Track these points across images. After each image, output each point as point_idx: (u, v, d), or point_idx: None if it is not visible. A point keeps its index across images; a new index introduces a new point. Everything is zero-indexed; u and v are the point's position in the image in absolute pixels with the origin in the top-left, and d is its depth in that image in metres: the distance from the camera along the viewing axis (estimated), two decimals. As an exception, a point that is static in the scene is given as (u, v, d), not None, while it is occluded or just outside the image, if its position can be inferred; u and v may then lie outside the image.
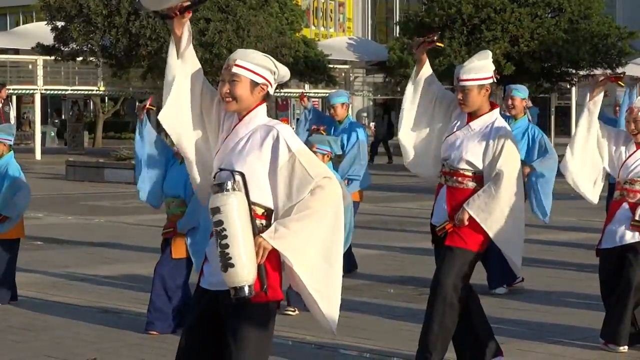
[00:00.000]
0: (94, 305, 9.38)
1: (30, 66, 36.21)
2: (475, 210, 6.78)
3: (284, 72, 4.89)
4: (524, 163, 9.19)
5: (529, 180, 9.81)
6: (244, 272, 4.54)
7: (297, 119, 30.75)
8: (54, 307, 9.34)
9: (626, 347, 7.71)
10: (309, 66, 35.97)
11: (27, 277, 10.63)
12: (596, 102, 7.56)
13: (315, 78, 37.02)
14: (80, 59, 30.82)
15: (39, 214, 16.75)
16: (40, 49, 31.17)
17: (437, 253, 7.08)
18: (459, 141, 6.95)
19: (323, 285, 4.71)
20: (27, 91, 36.94)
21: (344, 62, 41.52)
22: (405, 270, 11.49)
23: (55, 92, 38.61)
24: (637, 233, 7.69)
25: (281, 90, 36.85)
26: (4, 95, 22.33)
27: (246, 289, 4.55)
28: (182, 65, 4.83)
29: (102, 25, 28.36)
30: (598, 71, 33.89)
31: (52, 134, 44.48)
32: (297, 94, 39.04)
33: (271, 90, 4.86)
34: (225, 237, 4.53)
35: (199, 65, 4.91)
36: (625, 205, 7.78)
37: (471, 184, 6.92)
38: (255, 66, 4.78)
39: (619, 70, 33.31)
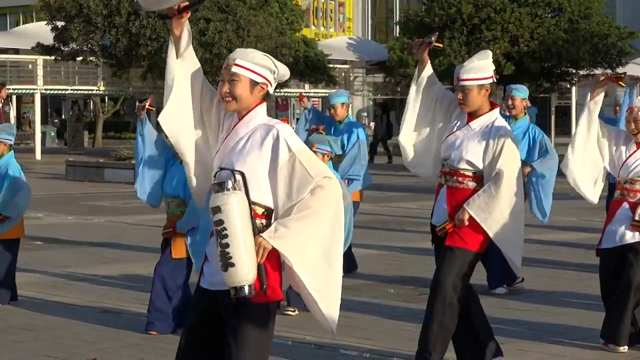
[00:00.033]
0: (94, 305, 9.38)
1: (30, 66, 36.22)
2: (475, 210, 6.79)
3: (284, 71, 4.89)
4: (524, 163, 9.20)
5: (529, 180, 9.81)
6: (244, 271, 4.54)
7: (297, 119, 30.74)
8: (54, 307, 9.34)
9: (626, 347, 7.71)
10: (309, 66, 35.97)
11: (27, 277, 10.62)
12: (597, 102, 7.56)
13: (315, 78, 37.02)
14: (80, 58, 30.82)
15: (39, 214, 16.75)
16: (40, 48, 31.18)
17: (437, 253, 7.08)
18: (459, 141, 6.95)
19: (323, 285, 4.71)
20: (27, 91, 36.95)
21: (344, 62, 41.52)
22: (405, 270, 11.49)
23: (55, 92, 38.62)
24: (637, 233, 7.69)
25: (281, 90, 36.86)
26: (4, 95, 22.33)
27: (246, 289, 4.55)
28: (182, 65, 4.83)
29: (102, 25, 28.36)
30: (598, 71, 33.92)
31: (52, 133, 44.48)
32: (297, 94, 39.08)
33: (271, 90, 4.86)
34: (226, 236, 4.53)
35: (199, 65, 4.91)
36: (626, 205, 7.78)
37: (471, 184, 6.92)
38: (255, 65, 4.78)
39: (619, 70, 33.36)
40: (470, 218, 6.79)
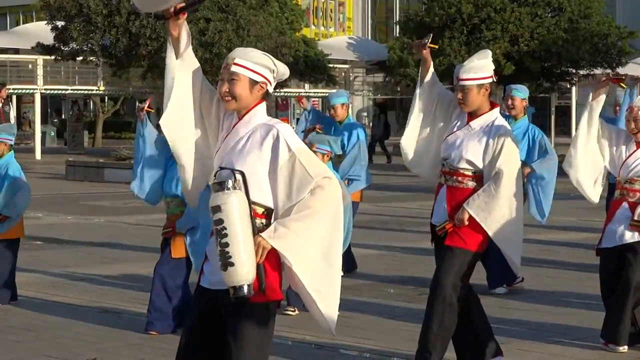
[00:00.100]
0: (94, 305, 9.38)
1: (30, 66, 36.22)
2: (475, 210, 6.79)
3: (283, 70, 4.90)
4: (524, 164, 9.19)
5: (529, 181, 9.81)
6: (244, 271, 4.54)
7: (297, 119, 30.73)
8: (54, 307, 9.34)
9: (626, 347, 7.71)
10: (309, 66, 35.97)
11: (27, 277, 10.63)
12: (599, 102, 7.59)
13: (315, 78, 37.02)
14: (80, 58, 30.82)
15: (39, 214, 16.76)
16: (40, 48, 31.17)
17: (437, 253, 7.08)
18: (459, 140, 6.96)
19: (322, 285, 4.71)
20: (27, 91, 36.95)
21: (344, 62, 41.53)
22: (405, 270, 11.49)
23: (55, 91, 38.61)
24: (636, 233, 7.69)
25: (281, 90, 36.86)
26: (4, 95, 22.33)
27: (245, 288, 4.55)
28: (181, 66, 4.83)
29: (102, 25, 28.35)
30: (598, 71, 33.94)
31: (52, 133, 44.49)
32: (298, 94, 39.05)
33: (270, 89, 4.86)
34: (226, 235, 4.53)
35: (198, 65, 4.91)
36: (625, 205, 7.79)
37: (471, 184, 6.92)
38: (254, 65, 4.78)
39: (620, 69, 33.36)
40: (470, 218, 6.79)
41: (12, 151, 9.67)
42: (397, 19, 45.43)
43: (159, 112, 4.91)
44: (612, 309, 7.73)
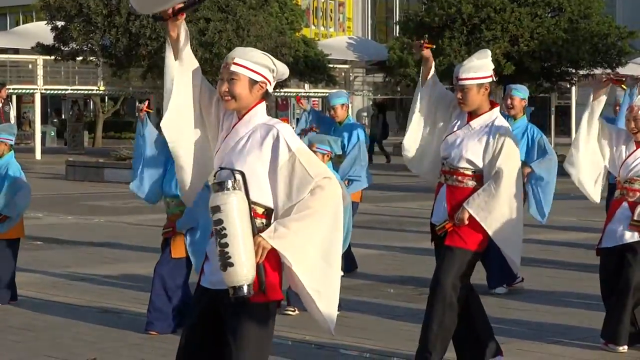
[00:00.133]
0: (94, 305, 9.38)
1: (30, 66, 36.21)
2: (475, 209, 6.79)
3: (283, 70, 4.90)
4: (523, 163, 9.19)
5: (528, 181, 9.81)
6: (243, 271, 4.54)
7: (297, 119, 30.71)
8: (54, 307, 9.34)
9: (626, 346, 7.71)
10: (309, 66, 35.95)
11: (27, 277, 10.63)
12: (600, 102, 7.62)
13: (315, 78, 37.01)
14: (80, 58, 30.79)
15: (39, 214, 16.76)
16: (40, 48, 31.15)
17: (437, 252, 7.08)
18: (459, 140, 6.96)
19: (322, 285, 4.71)
20: (27, 91, 36.94)
21: (344, 62, 41.51)
22: (405, 270, 11.49)
23: (55, 91, 38.60)
24: (636, 233, 7.69)
25: (281, 90, 36.85)
26: (4, 95, 22.33)
27: (245, 288, 4.55)
28: (180, 67, 4.83)
29: (102, 25, 28.34)
30: (598, 71, 33.91)
31: (52, 133, 44.48)
32: (298, 94, 39.03)
33: (270, 88, 4.86)
34: (225, 236, 4.53)
35: (197, 65, 4.91)
36: (625, 205, 7.79)
37: (471, 183, 6.92)
38: (254, 64, 4.78)
39: (619, 69, 33.36)
40: (470, 217, 6.79)
41: (12, 151, 9.67)
42: (397, 19, 45.41)
43: (159, 112, 4.91)
44: (612, 309, 7.74)
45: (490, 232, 6.81)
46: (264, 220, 4.70)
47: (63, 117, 49.65)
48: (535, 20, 33.14)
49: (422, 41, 7.12)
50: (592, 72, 34.37)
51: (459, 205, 6.87)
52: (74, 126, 39.78)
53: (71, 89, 37.53)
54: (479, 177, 6.91)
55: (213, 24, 28.30)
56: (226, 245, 4.53)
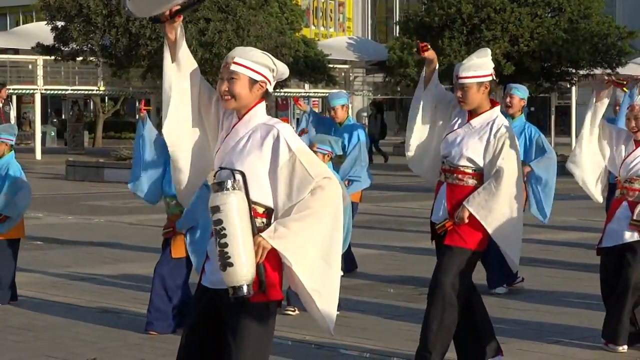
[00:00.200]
0: (94, 305, 9.38)
1: (30, 66, 36.19)
2: (475, 208, 6.79)
3: (283, 70, 4.90)
4: (522, 163, 9.20)
5: (528, 182, 9.82)
6: (243, 271, 4.54)
7: (297, 119, 30.65)
8: (54, 307, 9.34)
9: (625, 346, 7.71)
10: (309, 66, 35.95)
11: (27, 277, 10.63)
12: (603, 103, 7.68)
13: (315, 78, 37.00)
14: (80, 58, 30.79)
15: (39, 214, 16.75)
16: (40, 48, 31.15)
17: (438, 251, 7.08)
18: (460, 138, 6.96)
19: (322, 286, 4.71)
20: (27, 91, 36.93)
21: (344, 62, 41.51)
22: (405, 270, 11.49)
23: (55, 92, 38.60)
24: (636, 232, 7.70)
25: (281, 90, 36.85)
26: (4, 95, 22.31)
27: (245, 288, 4.56)
28: (178, 68, 4.84)
29: (102, 25, 28.34)
30: (598, 71, 33.93)
31: (52, 133, 44.46)
32: (298, 94, 39.02)
33: (270, 88, 4.87)
34: (225, 236, 4.53)
35: (196, 65, 4.91)
36: (625, 204, 7.80)
37: (471, 182, 6.92)
38: (254, 64, 4.79)
39: (619, 70, 33.38)
40: (470, 215, 6.79)
41: (13, 151, 9.67)
42: (397, 19, 45.41)
43: (159, 112, 4.92)
44: (612, 309, 7.74)
45: (490, 231, 6.82)
46: (264, 220, 4.70)
47: (63, 117, 49.63)
48: (535, 20, 33.14)
49: (420, 45, 7.10)
50: (592, 72, 34.38)
51: (459, 203, 6.87)
52: (74, 126, 39.77)
53: (71, 89, 37.52)
54: (479, 175, 6.91)
55: (213, 24, 28.30)
56: (226, 245, 4.53)
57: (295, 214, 4.63)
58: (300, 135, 9.31)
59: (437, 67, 7.13)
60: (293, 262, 4.63)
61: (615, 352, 7.69)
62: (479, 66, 6.91)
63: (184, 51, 4.83)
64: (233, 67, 4.77)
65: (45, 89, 36.27)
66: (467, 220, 6.80)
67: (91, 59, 30.49)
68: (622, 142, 7.83)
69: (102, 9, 28.29)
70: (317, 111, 38.37)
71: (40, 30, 33.24)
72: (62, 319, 8.83)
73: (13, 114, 33.02)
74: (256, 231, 4.61)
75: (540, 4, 33.39)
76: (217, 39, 28.04)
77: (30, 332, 8.34)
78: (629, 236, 7.71)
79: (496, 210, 6.79)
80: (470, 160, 6.91)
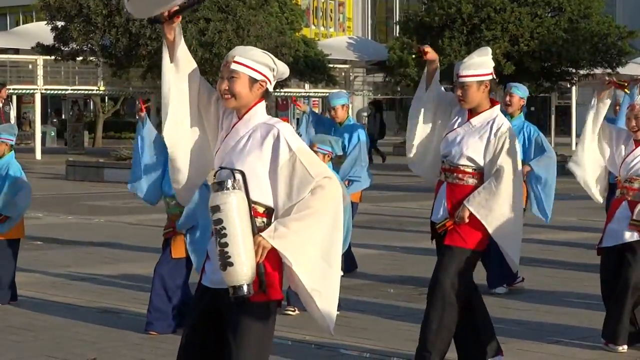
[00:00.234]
0: (93, 305, 9.38)
1: (30, 66, 36.19)
2: (475, 207, 6.79)
3: (283, 69, 4.90)
4: (522, 162, 9.20)
5: (528, 181, 9.81)
6: (243, 270, 4.54)
7: (297, 119, 30.65)
8: (53, 307, 9.34)
9: (625, 346, 7.71)
10: (309, 66, 35.94)
11: (27, 277, 10.63)
12: (605, 103, 7.70)
13: (315, 78, 36.99)
14: (80, 58, 30.79)
15: (39, 214, 16.75)
16: (40, 48, 31.15)
17: (438, 250, 7.08)
18: (460, 137, 6.96)
19: (322, 285, 4.71)
20: (27, 91, 36.93)
21: (344, 62, 41.50)
22: (405, 270, 11.49)
23: (55, 92, 38.60)
24: (636, 232, 7.70)
25: (281, 90, 36.84)
26: (4, 95, 22.29)
27: (245, 288, 4.55)
28: (176, 69, 4.84)
29: (102, 25, 28.33)
30: (598, 71, 33.94)
31: (52, 133, 44.47)
32: (298, 94, 39.01)
33: (270, 87, 4.86)
34: (225, 235, 4.53)
35: (194, 66, 4.91)
36: (625, 204, 7.80)
37: (471, 181, 6.92)
38: (254, 63, 4.79)
39: (619, 70, 33.38)
40: (471, 215, 6.79)
41: (13, 151, 9.66)
42: (397, 19, 45.42)
43: (159, 111, 4.93)
44: (611, 309, 7.74)
45: (490, 230, 6.81)
46: (264, 219, 4.70)
47: (63, 117, 49.63)
48: (535, 20, 33.15)
49: (420, 50, 7.08)
50: (592, 72, 34.39)
51: (459, 203, 6.87)
52: (74, 126, 39.77)
53: (71, 89, 37.52)
54: (479, 174, 6.91)
55: (213, 24, 28.30)
56: (226, 244, 4.53)
57: (296, 213, 4.63)
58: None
59: (438, 66, 7.13)
60: (293, 262, 4.63)
61: (615, 352, 7.69)
62: (480, 65, 6.91)
63: (182, 51, 4.83)
64: (233, 66, 4.76)
65: (45, 89, 36.27)
66: (467, 220, 6.80)
67: (91, 59, 30.49)
68: (622, 142, 7.84)
69: (102, 9, 28.29)
70: (317, 111, 38.33)
71: (40, 30, 33.23)
72: (62, 319, 8.83)
73: (13, 114, 33.04)
74: (256, 231, 4.61)
75: (540, 4, 33.41)
76: (217, 39, 28.04)
77: (30, 332, 8.34)
78: (629, 236, 7.71)
79: (497, 209, 6.79)
80: (470, 159, 6.91)
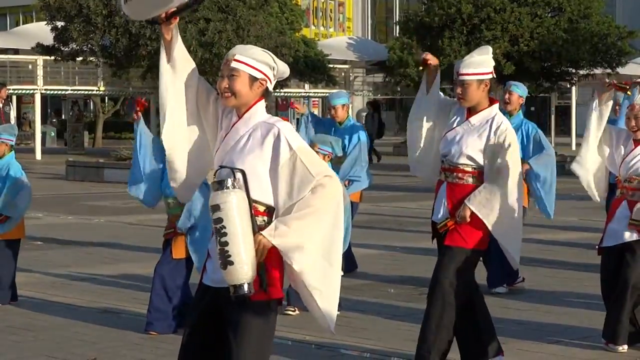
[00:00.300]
0: (93, 306, 9.38)
1: (30, 66, 36.18)
2: (476, 206, 6.79)
3: (283, 68, 4.90)
4: (521, 160, 9.20)
5: (529, 179, 9.81)
6: (244, 269, 4.55)
7: (297, 119, 30.68)
8: (54, 307, 9.34)
9: (625, 346, 7.71)
10: (309, 66, 35.94)
11: (27, 277, 10.63)
12: (608, 105, 7.73)
13: (315, 78, 36.99)
14: (80, 59, 30.78)
15: (39, 214, 16.75)
16: (40, 49, 31.14)
17: (439, 250, 7.08)
18: (459, 136, 6.97)
19: (322, 284, 4.71)
20: (27, 91, 36.92)
21: (344, 62, 41.50)
22: (405, 270, 11.49)
23: (55, 92, 38.58)
24: (635, 232, 7.70)
25: (281, 90, 36.85)
26: (4, 95, 22.32)
27: (245, 287, 4.56)
28: (173, 70, 4.85)
29: (102, 25, 28.33)
30: (598, 71, 33.95)
31: (52, 134, 44.46)
32: (298, 94, 38.99)
33: (270, 86, 4.87)
34: (225, 234, 4.54)
35: (193, 64, 4.91)
36: (625, 204, 7.81)
37: (471, 180, 6.92)
38: (254, 61, 4.79)
39: (619, 70, 33.38)
40: (472, 214, 6.79)
41: (13, 152, 9.66)
42: (397, 19, 45.41)
43: (158, 111, 4.94)
44: (611, 309, 7.75)
45: (491, 229, 6.82)
46: (265, 218, 4.70)
47: (63, 117, 49.63)
48: (535, 20, 33.16)
49: (423, 59, 7.07)
50: (592, 72, 34.39)
51: (459, 202, 6.87)
52: (74, 126, 39.76)
53: (71, 89, 37.50)
54: (479, 173, 6.91)
55: (213, 24, 28.30)
56: (226, 243, 4.54)
57: (296, 212, 4.63)
58: None
59: (439, 69, 7.13)
60: (294, 261, 4.63)
61: (615, 352, 7.69)
62: (480, 64, 6.92)
63: (178, 50, 4.83)
64: (234, 64, 4.77)
65: (45, 89, 36.26)
66: (469, 219, 6.80)
67: (91, 59, 30.49)
68: (622, 142, 7.85)
69: (102, 9, 28.29)
70: (316, 112, 38.24)
71: (40, 30, 33.23)
72: (62, 319, 8.83)
73: (13, 114, 32.98)
74: (257, 229, 4.61)
75: (540, 4, 33.41)
76: (217, 39, 28.04)
77: (31, 332, 8.35)
78: (629, 236, 7.72)
79: (498, 208, 6.79)
80: (470, 158, 6.91)
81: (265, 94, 4.85)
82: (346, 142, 10.75)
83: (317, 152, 8.28)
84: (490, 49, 7.14)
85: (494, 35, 32.65)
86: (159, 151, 8.37)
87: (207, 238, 6.10)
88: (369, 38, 52.21)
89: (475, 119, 6.95)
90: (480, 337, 7.00)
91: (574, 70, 34.57)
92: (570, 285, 10.53)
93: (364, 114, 48.80)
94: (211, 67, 27.26)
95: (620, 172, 7.84)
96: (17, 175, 9.51)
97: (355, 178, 10.74)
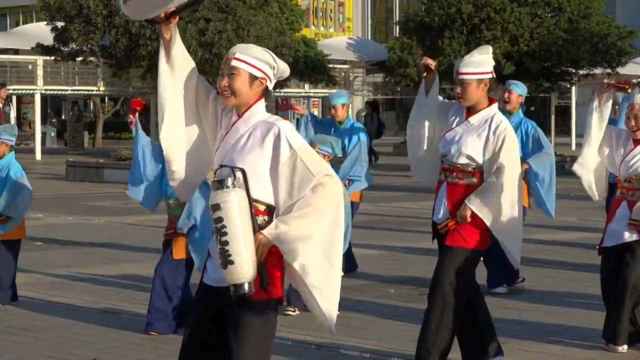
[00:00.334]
0: (94, 306, 9.38)
1: (30, 66, 36.17)
2: (477, 206, 6.79)
3: (284, 68, 4.90)
4: (520, 159, 9.20)
5: (528, 179, 9.81)
6: (244, 269, 4.55)
7: (297, 119, 30.70)
8: (54, 307, 9.34)
9: (625, 346, 7.71)
10: (309, 66, 35.93)
11: (27, 277, 10.63)
12: (608, 106, 7.73)
13: (315, 78, 36.98)
14: (80, 59, 30.78)
15: (39, 214, 16.74)
16: (40, 49, 31.14)
17: (440, 250, 7.08)
18: (458, 136, 6.97)
19: (323, 284, 4.71)
20: (27, 91, 36.92)
21: (344, 62, 41.49)
22: (405, 270, 11.49)
23: (55, 92, 38.57)
24: (635, 232, 7.70)
25: (281, 90, 36.84)
26: (4, 96, 22.33)
27: (246, 286, 4.56)
28: (172, 69, 4.84)
29: (102, 25, 28.33)
30: (598, 71, 33.94)
31: (52, 134, 44.45)
32: (298, 94, 38.98)
33: (270, 85, 4.87)
34: (225, 234, 4.54)
35: (192, 64, 4.91)
36: (625, 204, 7.82)
37: (471, 180, 6.92)
38: (255, 60, 4.79)
39: (619, 70, 33.38)
40: (472, 214, 6.79)
41: (13, 152, 9.66)
42: (397, 19, 45.40)
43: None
44: (611, 309, 7.75)
45: (492, 229, 6.82)
46: (265, 217, 4.70)
47: (63, 117, 49.63)
48: (535, 20, 33.14)
49: (426, 66, 7.07)
50: (592, 72, 34.39)
51: (459, 202, 6.87)
52: (74, 127, 39.75)
53: (71, 90, 37.49)
54: (479, 173, 6.91)
55: (213, 24, 28.30)
56: (226, 243, 4.54)
57: (297, 211, 4.63)
58: None
59: (437, 75, 7.14)
60: (294, 260, 4.63)
61: (615, 352, 7.69)
62: (480, 63, 6.92)
63: (177, 49, 4.83)
64: (234, 63, 4.77)
65: (45, 89, 36.25)
66: (469, 219, 6.80)
67: (91, 59, 30.49)
68: (622, 142, 7.86)
69: (102, 9, 28.28)
70: (316, 112, 38.20)
71: (40, 31, 33.22)
72: (62, 319, 8.83)
73: (13, 114, 33.00)
74: (257, 229, 4.62)
75: (540, 4, 33.40)
76: (217, 39, 28.04)
77: (31, 333, 8.35)
78: (629, 236, 7.72)
79: (498, 207, 6.79)
80: (469, 157, 6.91)
81: (265, 93, 4.84)
82: (346, 142, 10.75)
83: (317, 152, 8.28)
84: (490, 48, 7.15)
85: (494, 35, 32.64)
86: (159, 153, 8.37)
87: (207, 238, 6.10)
88: (369, 38, 52.20)
89: (474, 119, 6.95)
90: (481, 337, 7.00)
91: (574, 70, 34.56)
92: (570, 285, 10.54)
93: (363, 114, 48.82)
94: (211, 67, 27.26)
95: (620, 172, 7.84)
96: (18, 175, 9.50)
97: (355, 178, 10.74)
